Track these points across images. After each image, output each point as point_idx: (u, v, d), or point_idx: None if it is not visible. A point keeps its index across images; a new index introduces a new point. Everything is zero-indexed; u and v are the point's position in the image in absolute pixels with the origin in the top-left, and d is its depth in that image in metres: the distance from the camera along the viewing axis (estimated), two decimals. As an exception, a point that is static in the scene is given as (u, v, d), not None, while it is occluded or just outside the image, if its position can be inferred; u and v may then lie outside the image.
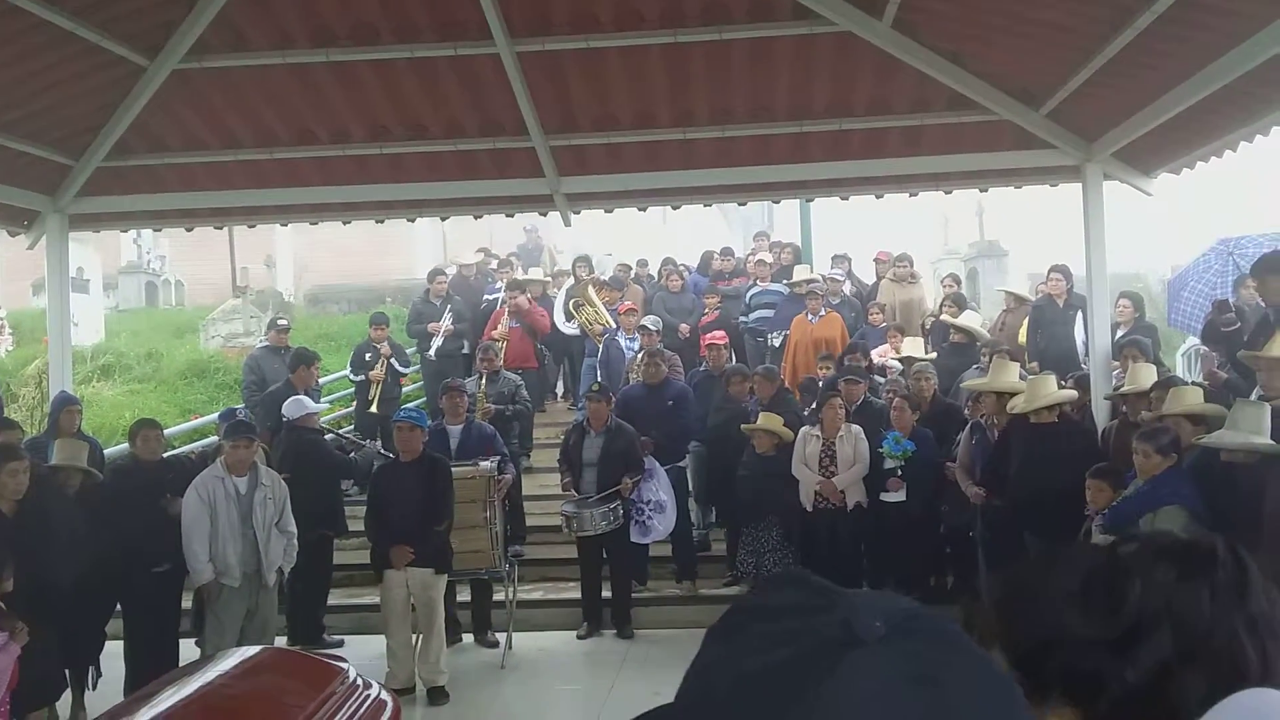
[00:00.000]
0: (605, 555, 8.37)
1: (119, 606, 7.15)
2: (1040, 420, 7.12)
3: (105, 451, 8.51)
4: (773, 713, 0.66)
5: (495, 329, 11.70)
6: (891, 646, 0.66)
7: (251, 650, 2.76)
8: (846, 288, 12.63)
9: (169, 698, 2.25)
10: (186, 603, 7.25)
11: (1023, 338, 10.56)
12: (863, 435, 8.21)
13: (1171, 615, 1.13)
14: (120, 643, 6.95)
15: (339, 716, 2.39)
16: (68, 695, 6.65)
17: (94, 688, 6.90)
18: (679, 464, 9.05)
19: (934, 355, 10.33)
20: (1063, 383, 7.81)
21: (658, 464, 8.62)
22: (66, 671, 6.58)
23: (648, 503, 8.48)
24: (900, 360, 10.28)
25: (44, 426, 8.35)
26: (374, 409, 11.07)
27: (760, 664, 0.69)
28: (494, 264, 13.96)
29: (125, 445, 8.12)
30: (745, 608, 0.78)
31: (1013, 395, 7.53)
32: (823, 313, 11.29)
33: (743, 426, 8.58)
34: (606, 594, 8.44)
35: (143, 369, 14.41)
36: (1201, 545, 1.21)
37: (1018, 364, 8.52)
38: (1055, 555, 1.25)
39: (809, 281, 11.71)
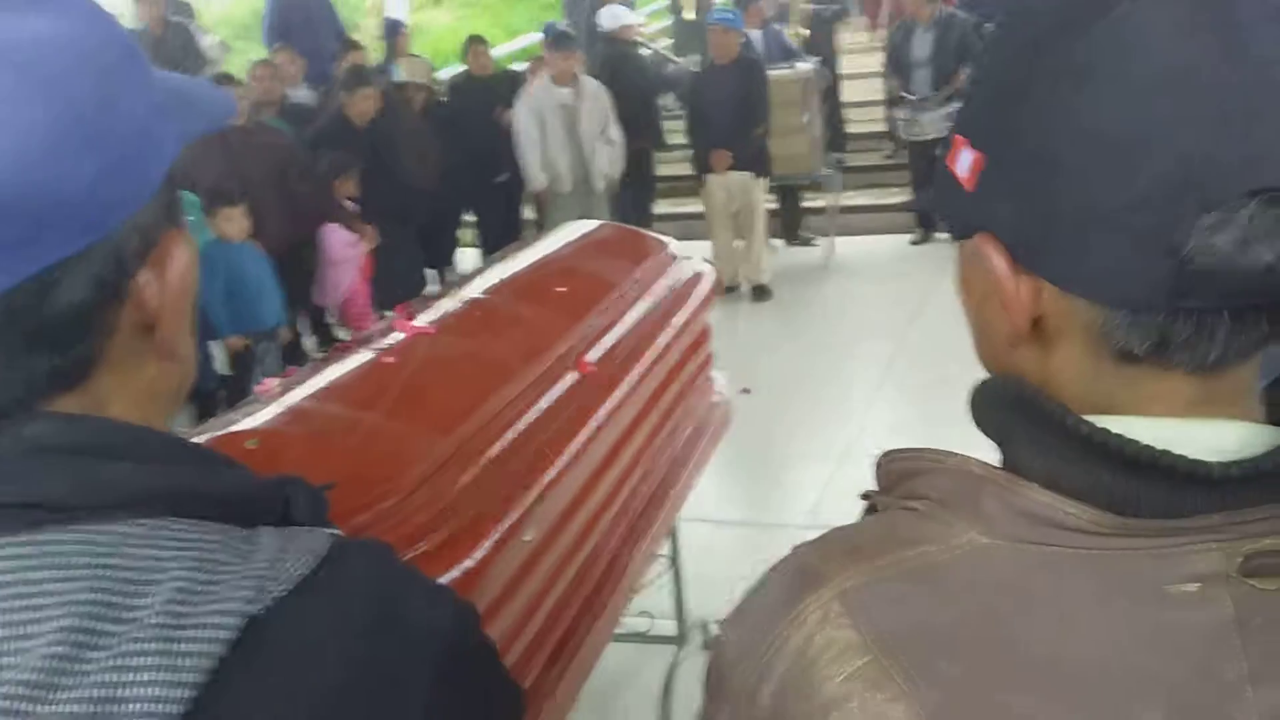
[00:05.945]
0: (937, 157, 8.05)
1: (471, 215, 7.81)
2: None
3: (438, 74, 8.94)
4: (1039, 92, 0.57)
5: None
6: None
7: (589, 224, 2.94)
8: None
9: (519, 261, 2.44)
10: (529, 213, 7.85)
11: None
12: None
13: None
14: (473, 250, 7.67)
15: (664, 278, 2.52)
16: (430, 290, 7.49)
17: (454, 284, 7.74)
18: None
19: None
20: None
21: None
22: (427, 271, 7.41)
23: (997, 98, 7.92)
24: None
25: (385, 52, 8.86)
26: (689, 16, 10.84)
27: (1033, 30, 0.59)
28: None
29: (458, 67, 8.51)
30: None
31: None
32: None
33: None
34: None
35: (469, -7, 14.83)
36: None
37: None
38: None
39: None
